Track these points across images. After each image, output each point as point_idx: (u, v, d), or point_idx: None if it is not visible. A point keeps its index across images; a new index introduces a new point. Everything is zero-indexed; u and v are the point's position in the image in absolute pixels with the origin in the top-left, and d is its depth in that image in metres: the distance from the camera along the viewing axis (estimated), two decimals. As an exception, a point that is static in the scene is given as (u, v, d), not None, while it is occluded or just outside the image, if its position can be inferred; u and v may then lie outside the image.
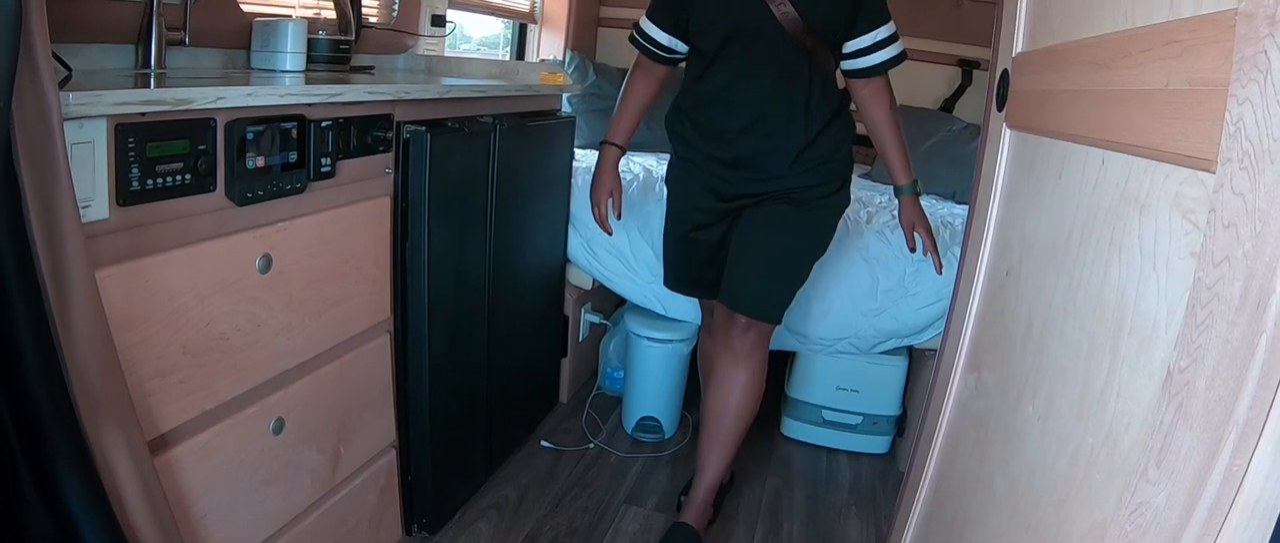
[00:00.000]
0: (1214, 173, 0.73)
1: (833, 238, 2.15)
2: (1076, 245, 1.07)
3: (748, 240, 2.09)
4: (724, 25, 1.98)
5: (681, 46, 2.10)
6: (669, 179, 2.28)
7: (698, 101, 2.08)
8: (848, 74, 2.06)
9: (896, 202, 2.14)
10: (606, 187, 2.24)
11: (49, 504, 1.06)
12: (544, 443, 2.75)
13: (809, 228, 2.09)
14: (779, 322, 2.13)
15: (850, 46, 1.99)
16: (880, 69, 2.01)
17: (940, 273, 2.16)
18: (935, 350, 2.07)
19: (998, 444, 1.28)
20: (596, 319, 3.16)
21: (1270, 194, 0.66)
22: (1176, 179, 0.81)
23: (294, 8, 2.26)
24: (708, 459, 2.22)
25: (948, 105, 3.95)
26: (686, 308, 2.73)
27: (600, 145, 2.26)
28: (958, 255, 1.97)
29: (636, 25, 2.16)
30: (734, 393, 2.15)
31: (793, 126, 2.00)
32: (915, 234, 2.10)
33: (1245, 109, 0.69)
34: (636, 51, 2.20)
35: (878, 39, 1.97)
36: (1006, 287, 1.39)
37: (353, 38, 2.28)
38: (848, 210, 2.22)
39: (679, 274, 2.33)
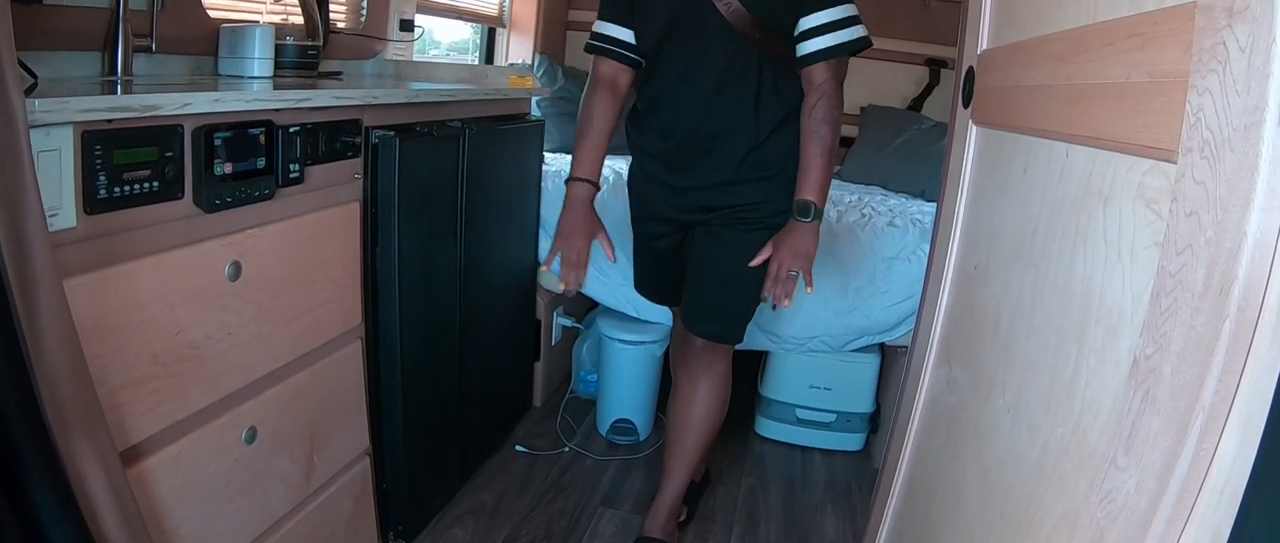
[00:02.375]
0: (1176, 163, 0.74)
1: None
2: (1042, 238, 1.09)
3: (702, 262, 2.03)
4: (662, 18, 1.90)
5: None
6: (629, 186, 2.21)
7: (649, 102, 2.01)
8: (797, 61, 1.88)
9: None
10: (586, 229, 1.99)
11: (21, 518, 1.04)
12: (519, 448, 2.75)
13: (762, 248, 1.94)
14: (739, 342, 2.11)
15: (800, 26, 1.84)
16: (829, 53, 1.84)
17: (773, 304, 1.91)
18: (907, 347, 2.08)
19: (969, 437, 1.29)
20: (569, 323, 3.15)
21: (1231, 182, 0.67)
22: (1139, 170, 0.83)
23: (261, 13, 2.25)
24: (672, 471, 2.22)
25: (916, 105, 3.99)
26: (658, 310, 2.73)
27: (567, 183, 2.02)
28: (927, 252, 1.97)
29: (593, 32, 2.01)
30: (694, 407, 2.15)
31: (742, 124, 1.91)
32: (782, 263, 1.88)
33: (1205, 99, 0.70)
34: (592, 70, 2.04)
35: (823, 21, 1.83)
36: (975, 281, 1.40)
37: (320, 43, 2.27)
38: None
39: (645, 280, 2.31)
